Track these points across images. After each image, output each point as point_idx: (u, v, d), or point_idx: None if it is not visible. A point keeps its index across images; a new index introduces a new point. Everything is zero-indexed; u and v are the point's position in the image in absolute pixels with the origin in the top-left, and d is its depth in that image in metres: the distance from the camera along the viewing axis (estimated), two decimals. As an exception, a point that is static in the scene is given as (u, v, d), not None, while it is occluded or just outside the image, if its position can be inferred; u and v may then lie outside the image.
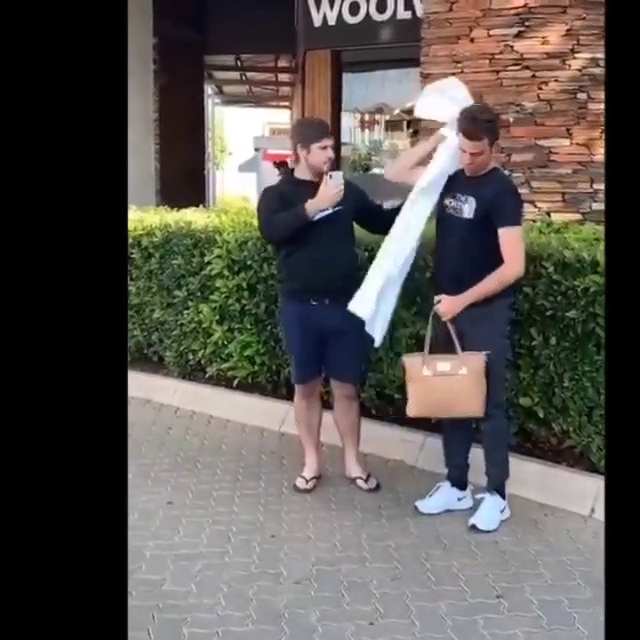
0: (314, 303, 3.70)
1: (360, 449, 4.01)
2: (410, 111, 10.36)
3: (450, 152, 3.44)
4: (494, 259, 3.29)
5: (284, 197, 3.68)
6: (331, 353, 3.80)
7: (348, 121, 11.31)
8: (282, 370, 4.82)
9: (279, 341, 4.69)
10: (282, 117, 22.42)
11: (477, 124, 3.29)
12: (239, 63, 16.07)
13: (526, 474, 3.77)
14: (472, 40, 5.62)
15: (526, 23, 5.43)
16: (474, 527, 3.47)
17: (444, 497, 3.69)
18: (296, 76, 13.56)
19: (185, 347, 5.34)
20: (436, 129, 3.68)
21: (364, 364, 4.08)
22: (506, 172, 4.41)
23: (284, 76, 16.78)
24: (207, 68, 15.09)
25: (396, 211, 3.62)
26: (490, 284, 3.31)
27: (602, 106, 5.20)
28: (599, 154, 5.30)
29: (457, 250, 3.39)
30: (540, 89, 5.44)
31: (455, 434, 3.68)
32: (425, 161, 3.61)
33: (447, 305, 3.38)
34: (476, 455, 3.63)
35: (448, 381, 3.36)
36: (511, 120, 5.43)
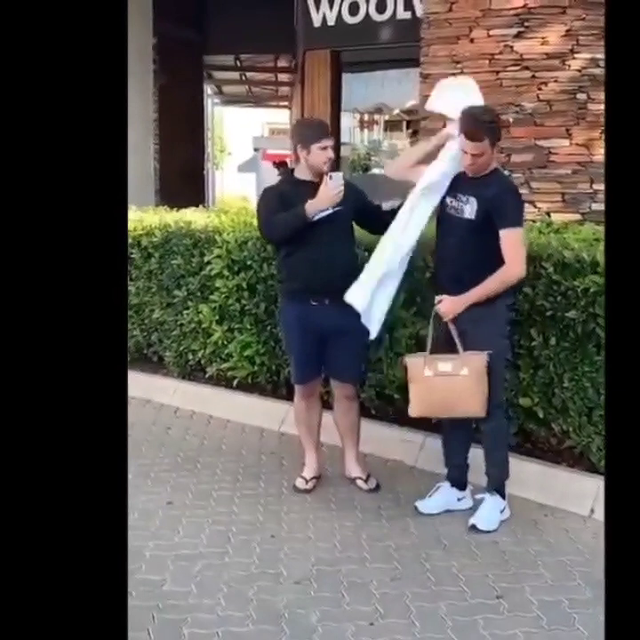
0: (314, 303, 3.70)
1: (360, 449, 4.01)
2: (409, 111, 10.38)
3: (454, 153, 3.43)
4: (494, 259, 3.29)
5: (284, 198, 3.68)
6: (330, 353, 3.80)
7: (348, 121, 11.31)
8: (282, 370, 4.82)
9: (279, 341, 4.69)
10: (281, 117, 22.42)
11: (479, 124, 3.28)
12: (239, 63, 16.06)
13: (526, 474, 3.78)
14: (472, 40, 5.63)
15: (526, 23, 5.43)
16: (474, 527, 3.47)
17: (443, 497, 3.69)
18: (295, 76, 13.55)
19: (185, 347, 5.34)
20: (437, 129, 3.67)
21: (363, 365, 4.08)
22: (505, 173, 4.40)
23: (283, 76, 16.77)
24: (207, 68, 15.08)
25: (396, 211, 3.62)
26: (492, 284, 3.31)
27: (601, 106, 5.20)
28: (599, 154, 5.30)
29: (457, 250, 3.39)
30: (540, 89, 5.44)
31: (455, 434, 3.69)
32: (427, 159, 3.60)
33: (448, 305, 3.38)
34: (476, 455, 3.63)
35: (449, 382, 3.36)
36: (511, 120, 5.43)
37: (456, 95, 3.53)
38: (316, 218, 3.56)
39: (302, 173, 3.73)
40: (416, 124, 7.92)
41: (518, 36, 5.46)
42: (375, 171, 11.70)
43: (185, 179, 11.83)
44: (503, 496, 3.57)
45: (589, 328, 3.60)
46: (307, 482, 3.92)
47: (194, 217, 5.42)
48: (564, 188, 5.46)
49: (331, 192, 3.53)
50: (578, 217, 5.28)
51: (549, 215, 5.29)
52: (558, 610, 2.87)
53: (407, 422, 4.24)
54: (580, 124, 5.37)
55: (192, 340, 5.27)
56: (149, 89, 11.04)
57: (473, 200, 3.35)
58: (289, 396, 4.56)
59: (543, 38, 5.41)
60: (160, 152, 11.41)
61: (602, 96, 5.16)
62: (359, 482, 3.93)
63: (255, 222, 4.11)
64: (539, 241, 3.87)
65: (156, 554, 3.27)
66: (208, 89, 17.12)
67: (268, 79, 17.69)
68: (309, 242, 3.60)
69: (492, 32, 5.54)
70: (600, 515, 3.52)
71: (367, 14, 9.25)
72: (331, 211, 3.57)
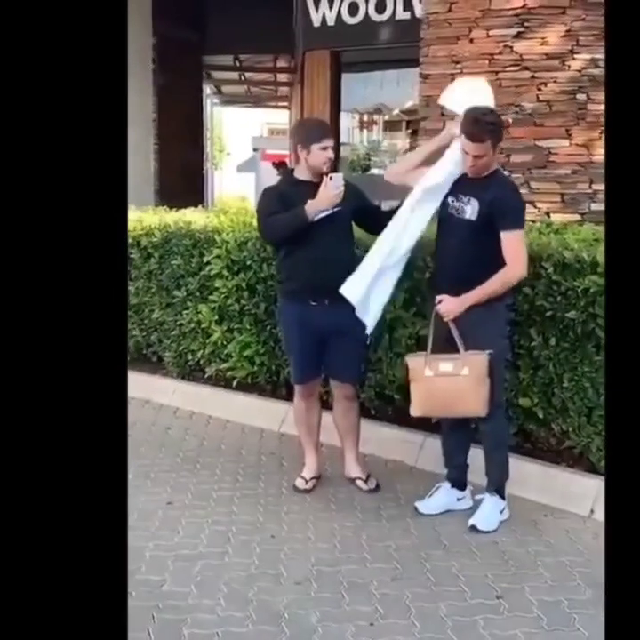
0: (313, 303, 3.69)
1: (360, 449, 4.01)
2: (409, 112, 10.38)
3: (458, 156, 3.42)
4: (495, 260, 3.28)
5: (284, 198, 3.68)
6: (330, 353, 3.80)
7: (347, 121, 11.32)
8: (281, 370, 4.82)
9: (278, 342, 4.69)
10: (280, 118, 22.42)
11: (480, 125, 3.27)
12: (238, 63, 16.07)
13: (526, 474, 3.78)
14: (471, 41, 5.62)
15: (526, 24, 5.43)
16: (473, 528, 3.47)
17: (443, 497, 3.69)
18: (295, 77, 13.55)
19: (184, 347, 5.34)
20: (437, 129, 3.67)
21: (363, 365, 4.08)
22: (505, 173, 4.40)
23: (282, 77, 16.77)
24: (206, 68, 15.09)
25: (395, 212, 3.62)
26: (493, 285, 3.31)
27: (601, 107, 5.20)
28: (598, 154, 5.30)
29: (457, 250, 3.38)
30: (540, 90, 5.44)
31: (454, 434, 3.69)
32: (427, 162, 3.59)
33: (449, 305, 3.38)
34: (476, 455, 3.63)
35: (450, 382, 3.36)
36: (510, 121, 5.43)
37: (468, 95, 3.51)
38: (316, 218, 3.56)
39: (302, 173, 3.73)
40: (415, 124, 7.91)
41: (518, 36, 5.46)
42: (374, 171, 11.71)
43: (184, 179, 11.84)
44: (503, 496, 3.57)
45: (589, 328, 3.61)
46: (306, 482, 3.92)
47: (193, 217, 5.42)
48: (563, 189, 5.46)
49: (331, 193, 3.53)
50: (577, 217, 5.28)
51: (549, 215, 5.29)
52: (558, 610, 2.87)
53: (407, 422, 4.24)
54: (579, 125, 5.37)
55: (191, 341, 5.26)
56: (149, 89, 11.03)
57: (474, 201, 3.34)
58: (288, 397, 4.56)
59: (543, 39, 5.40)
60: (159, 152, 11.42)
61: (601, 96, 5.16)
62: (359, 482, 3.93)
63: (254, 222, 4.10)
64: (538, 241, 3.87)
65: (156, 554, 3.27)
66: (207, 89, 17.13)
67: (267, 79, 17.69)
68: (309, 242, 3.60)
69: (491, 32, 5.54)
70: (600, 515, 3.53)
71: (367, 14, 9.25)
72: (330, 211, 3.58)
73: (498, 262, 3.29)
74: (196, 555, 3.27)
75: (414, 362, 3.49)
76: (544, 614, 2.84)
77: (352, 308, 3.58)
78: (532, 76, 5.45)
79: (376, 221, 3.75)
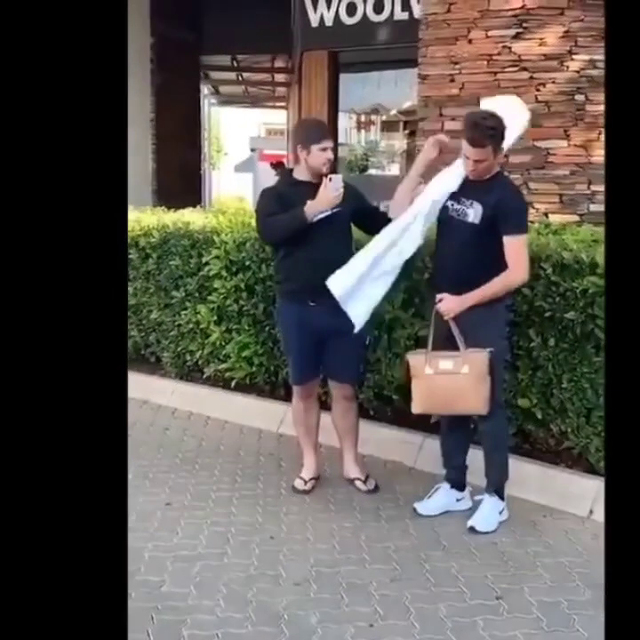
0: (312, 304, 3.69)
1: (358, 450, 4.01)
2: (406, 112, 10.39)
3: (459, 170, 3.42)
4: (496, 263, 3.27)
5: (283, 198, 3.68)
6: (329, 354, 3.80)
7: (345, 122, 11.32)
8: (280, 371, 4.82)
9: (277, 342, 4.69)
10: (278, 118, 22.43)
11: (480, 130, 3.25)
12: (235, 63, 16.07)
13: (525, 475, 3.78)
14: (470, 41, 5.62)
15: (524, 25, 5.43)
16: (473, 529, 3.47)
17: (442, 498, 3.69)
18: (292, 77, 13.56)
19: (182, 347, 5.33)
20: (436, 129, 3.67)
21: (362, 365, 4.08)
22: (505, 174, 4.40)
23: (280, 77, 16.77)
24: (203, 68, 15.08)
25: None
26: (494, 287, 3.31)
27: (599, 107, 5.21)
28: (597, 155, 5.30)
29: (458, 252, 3.37)
30: (538, 90, 5.44)
31: (453, 435, 3.68)
32: (432, 164, 3.58)
33: (449, 303, 3.37)
34: (475, 456, 3.63)
35: (450, 380, 3.36)
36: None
37: (503, 114, 3.46)
38: (316, 219, 3.56)
39: (301, 174, 3.73)
40: (413, 124, 7.92)
41: (516, 37, 5.46)
42: (372, 171, 11.72)
43: (182, 179, 11.84)
44: (502, 497, 3.57)
45: (588, 329, 3.61)
46: (305, 483, 3.92)
47: (192, 217, 5.41)
48: (561, 190, 5.47)
49: (330, 194, 3.52)
50: (575, 218, 5.28)
51: (547, 216, 5.30)
52: (558, 611, 2.87)
53: (406, 423, 4.24)
54: (578, 125, 5.38)
55: (190, 341, 5.26)
56: (147, 89, 11.04)
57: (477, 205, 3.33)
58: (287, 397, 4.56)
59: (541, 39, 5.41)
60: (157, 152, 11.42)
61: (600, 97, 5.17)
62: (358, 483, 3.93)
63: (253, 223, 4.10)
64: (537, 242, 3.87)
65: (155, 555, 3.27)
66: (205, 89, 17.13)
67: (264, 79, 17.70)
68: (308, 242, 3.60)
69: (490, 33, 5.54)
70: (599, 515, 3.53)
71: (365, 15, 9.24)
72: (329, 212, 3.58)
73: (499, 265, 3.28)
74: (195, 556, 3.27)
75: (415, 359, 3.49)
76: (543, 615, 2.84)
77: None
78: (531, 77, 5.45)
79: (375, 222, 3.75)
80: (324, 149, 3.63)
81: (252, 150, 20.19)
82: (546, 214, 5.37)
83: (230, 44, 12.91)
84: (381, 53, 9.38)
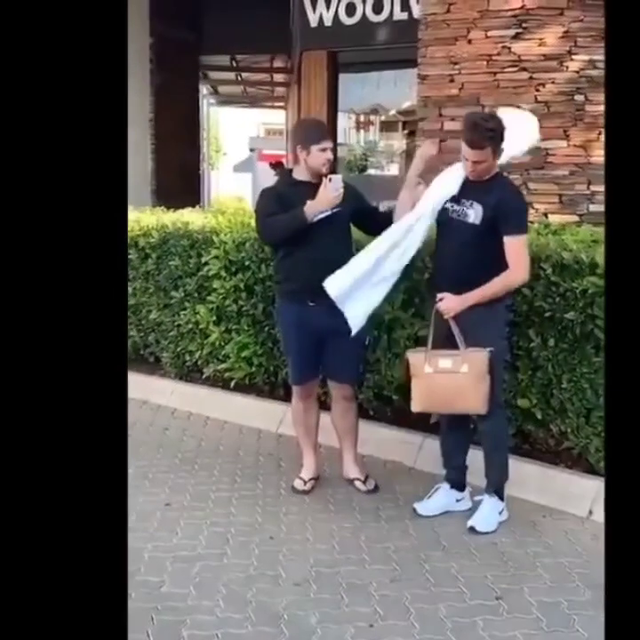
0: (311, 304, 3.69)
1: (358, 450, 4.01)
2: (405, 112, 10.39)
3: (459, 173, 3.42)
4: (496, 263, 3.27)
5: (283, 199, 3.68)
6: (328, 354, 3.80)
7: (344, 122, 11.32)
8: (279, 371, 4.82)
9: (276, 342, 4.69)
10: (277, 118, 22.43)
11: (479, 132, 3.25)
12: (234, 63, 16.07)
13: (524, 475, 3.78)
14: (469, 41, 5.62)
15: (524, 25, 5.43)
16: (472, 529, 3.47)
17: (442, 498, 3.69)
18: (291, 77, 13.56)
19: (182, 348, 5.33)
20: (435, 130, 3.66)
21: (361, 365, 4.08)
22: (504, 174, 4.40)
23: (279, 77, 16.78)
24: (202, 68, 15.08)
25: (393, 213, 3.62)
26: (494, 287, 3.31)
27: (599, 108, 5.20)
28: (596, 156, 5.30)
29: (459, 253, 3.37)
30: (538, 91, 5.44)
31: (453, 435, 3.68)
32: (433, 164, 3.58)
33: (449, 302, 3.37)
34: (475, 457, 3.63)
35: (450, 378, 3.35)
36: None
37: (512, 127, 3.45)
38: (315, 219, 3.56)
39: (301, 174, 3.73)
40: (412, 124, 7.92)
41: (516, 37, 5.46)
42: (371, 171, 11.72)
43: (181, 179, 11.84)
44: (502, 497, 3.57)
45: (588, 329, 3.61)
46: (305, 483, 3.92)
47: (191, 217, 5.41)
48: (561, 190, 5.46)
49: (330, 194, 3.52)
50: (575, 218, 5.28)
51: (547, 216, 5.29)
52: (557, 611, 2.87)
53: (406, 423, 4.24)
54: (577, 126, 5.37)
55: (189, 341, 5.26)
56: (146, 89, 11.05)
57: (477, 205, 3.32)
58: (286, 397, 4.56)
59: (541, 40, 5.41)
60: (156, 152, 11.42)
61: (599, 97, 5.17)
62: (358, 483, 3.93)
63: (253, 223, 4.10)
64: (537, 242, 3.87)
65: (155, 555, 3.27)
66: (204, 89, 17.12)
67: (263, 80, 17.70)
68: (307, 243, 3.60)
69: (489, 33, 5.54)
70: (598, 516, 3.53)
71: (364, 15, 9.24)
72: (329, 212, 3.57)
73: (499, 265, 3.28)
74: (195, 556, 3.27)
75: (415, 358, 3.49)
76: (543, 615, 2.84)
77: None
78: (530, 77, 5.45)
79: (374, 222, 3.75)
80: (324, 150, 3.63)
81: (251, 150, 20.22)
82: (545, 214, 5.37)
83: (229, 44, 12.91)
84: (381, 53, 9.37)
